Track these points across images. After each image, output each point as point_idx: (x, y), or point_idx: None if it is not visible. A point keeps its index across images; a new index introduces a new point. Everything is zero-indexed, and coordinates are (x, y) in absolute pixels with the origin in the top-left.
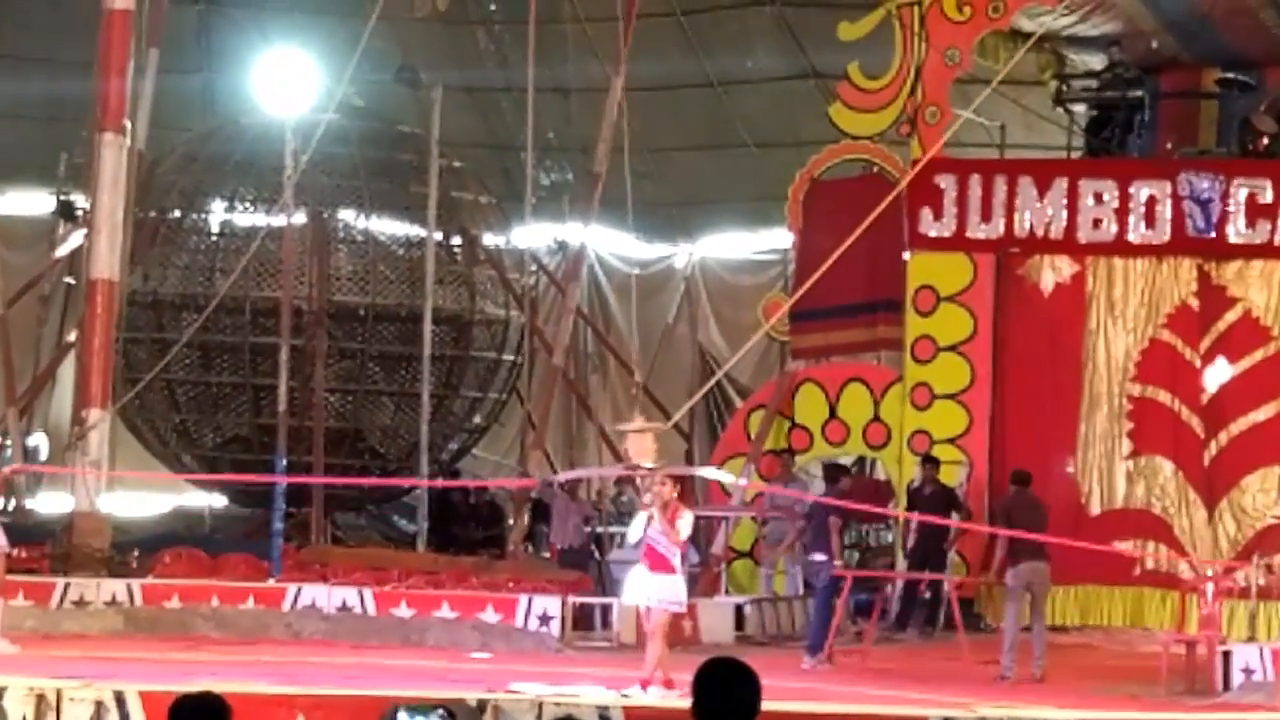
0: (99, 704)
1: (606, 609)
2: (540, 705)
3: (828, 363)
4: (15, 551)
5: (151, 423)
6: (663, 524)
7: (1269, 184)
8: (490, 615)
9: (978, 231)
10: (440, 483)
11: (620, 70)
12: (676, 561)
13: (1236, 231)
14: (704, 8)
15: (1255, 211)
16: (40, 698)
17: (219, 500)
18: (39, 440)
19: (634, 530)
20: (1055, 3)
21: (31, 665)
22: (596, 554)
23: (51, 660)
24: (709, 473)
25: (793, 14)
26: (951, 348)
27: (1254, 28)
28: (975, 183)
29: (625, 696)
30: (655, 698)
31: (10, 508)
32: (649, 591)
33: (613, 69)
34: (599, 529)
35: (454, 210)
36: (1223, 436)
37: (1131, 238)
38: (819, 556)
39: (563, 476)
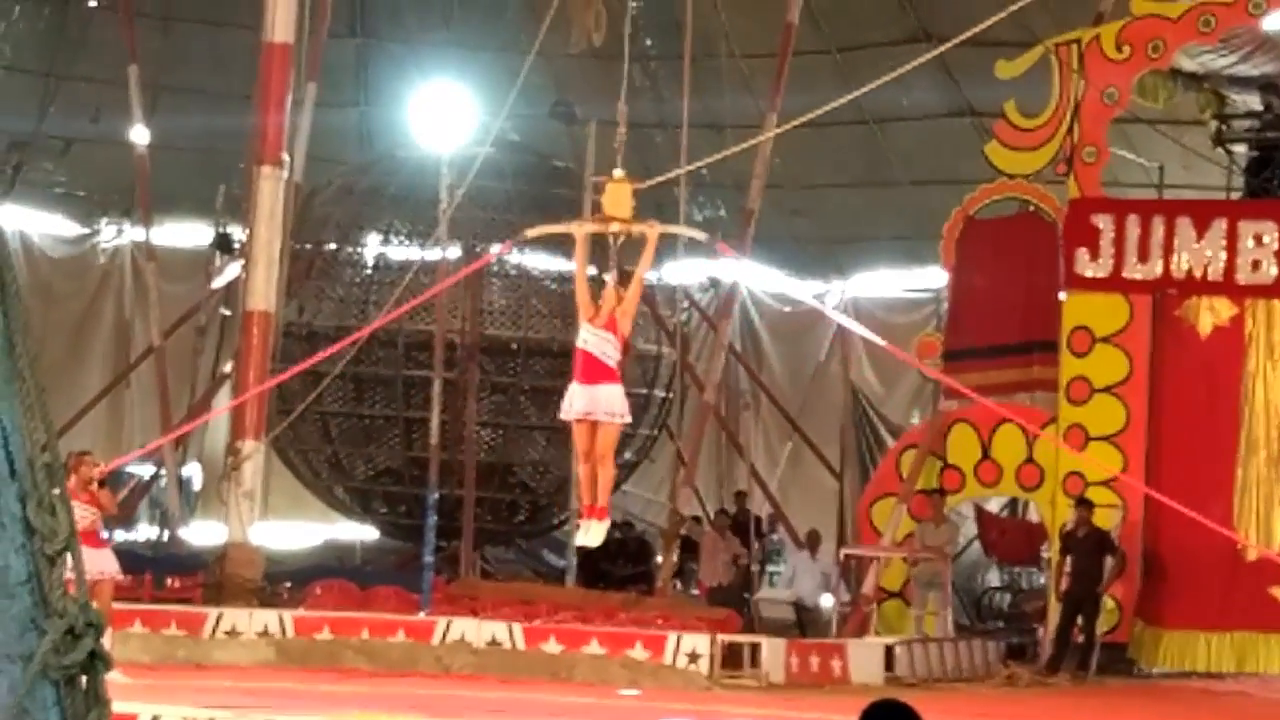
0: None
1: (756, 648)
2: None
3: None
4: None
5: (304, 454)
6: (606, 320)
7: None
8: (639, 652)
9: (1134, 272)
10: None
11: (775, 106)
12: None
13: None
14: (860, 44)
15: None
16: None
17: (370, 533)
18: (193, 470)
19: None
20: (1215, 41)
21: (184, 695)
22: (746, 592)
23: (204, 690)
24: (686, 230)
25: (950, 51)
26: (1107, 389)
27: None
28: (1133, 223)
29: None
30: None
31: (165, 537)
32: (593, 405)
33: (767, 105)
34: (749, 566)
35: (606, 246)
36: None
37: None
38: None
39: (533, 232)
